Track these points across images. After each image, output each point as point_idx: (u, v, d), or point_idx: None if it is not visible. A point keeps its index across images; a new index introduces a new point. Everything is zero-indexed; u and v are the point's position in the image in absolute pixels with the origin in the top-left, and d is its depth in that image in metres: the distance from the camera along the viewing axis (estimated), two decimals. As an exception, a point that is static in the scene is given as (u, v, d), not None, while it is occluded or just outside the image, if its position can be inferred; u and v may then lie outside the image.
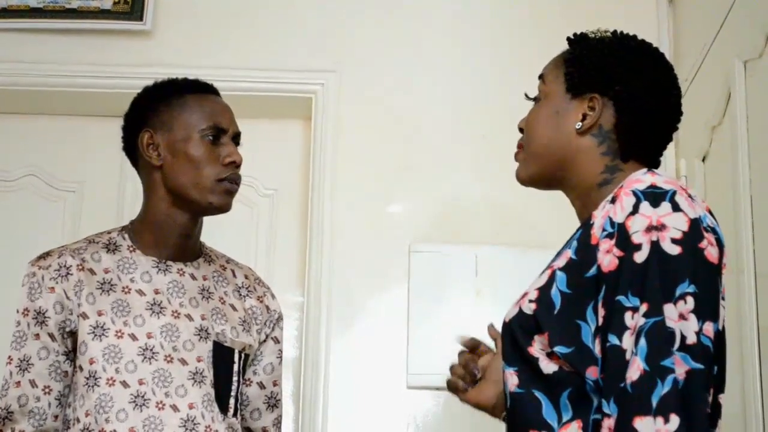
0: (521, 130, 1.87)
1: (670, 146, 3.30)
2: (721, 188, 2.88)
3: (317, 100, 3.60)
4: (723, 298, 1.57)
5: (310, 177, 3.52)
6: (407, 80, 3.62)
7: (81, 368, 2.13)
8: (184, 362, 2.16)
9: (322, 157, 3.52)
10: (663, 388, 1.41)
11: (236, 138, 2.31)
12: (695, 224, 1.52)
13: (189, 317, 2.21)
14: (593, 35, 1.83)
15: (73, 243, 2.30)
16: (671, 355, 1.43)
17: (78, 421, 2.11)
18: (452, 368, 2.07)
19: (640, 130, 1.75)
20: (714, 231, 1.56)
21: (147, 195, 2.30)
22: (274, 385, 2.40)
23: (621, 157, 1.74)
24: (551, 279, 1.63)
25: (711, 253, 1.52)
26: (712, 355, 1.47)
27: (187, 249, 2.29)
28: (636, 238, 1.51)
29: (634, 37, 1.83)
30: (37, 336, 2.15)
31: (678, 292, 1.47)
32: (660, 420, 1.40)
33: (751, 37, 2.65)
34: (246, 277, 2.42)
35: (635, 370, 1.44)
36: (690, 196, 1.57)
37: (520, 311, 1.65)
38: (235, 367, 2.26)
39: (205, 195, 2.21)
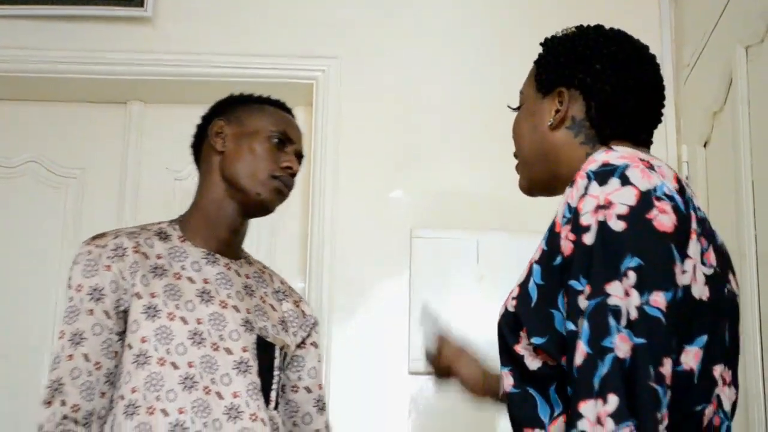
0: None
1: (672, 132, 3.34)
2: (723, 174, 2.88)
3: (318, 86, 3.60)
4: (705, 263, 1.55)
5: (311, 163, 3.52)
6: (409, 67, 3.62)
7: (130, 346, 2.16)
8: (229, 351, 2.20)
9: (323, 144, 3.53)
10: (603, 369, 1.40)
11: (299, 157, 2.39)
12: (645, 195, 1.50)
13: (236, 309, 2.26)
14: (559, 34, 1.87)
15: (125, 227, 2.34)
16: (611, 334, 1.41)
17: (122, 398, 2.14)
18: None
19: (612, 112, 1.75)
20: (671, 198, 1.53)
21: (202, 182, 2.39)
22: (320, 388, 2.47)
23: (600, 142, 1.74)
24: (529, 273, 1.63)
25: (662, 221, 1.49)
26: (662, 325, 1.43)
27: (233, 246, 2.37)
28: (584, 220, 1.51)
29: (599, 26, 1.85)
30: (91, 312, 2.17)
31: (622, 269, 1.45)
32: (599, 401, 1.39)
33: (753, 22, 2.65)
34: (281, 282, 2.50)
35: (579, 354, 1.44)
36: (651, 166, 1.56)
37: (506, 310, 1.65)
38: (276, 362, 2.31)
39: (256, 186, 2.29)
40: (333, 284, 3.41)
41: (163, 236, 2.30)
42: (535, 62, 1.88)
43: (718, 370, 1.56)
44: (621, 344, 1.41)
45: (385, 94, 3.58)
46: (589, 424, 1.39)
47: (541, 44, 1.89)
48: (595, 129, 1.76)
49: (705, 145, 3.15)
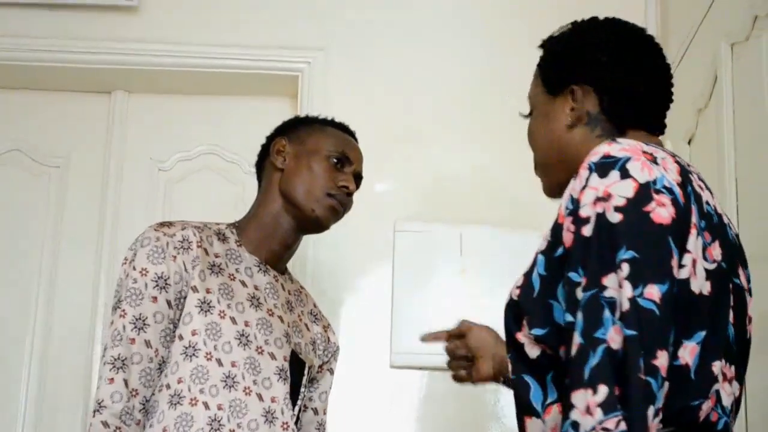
0: None
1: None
2: (707, 171, 2.87)
3: (303, 78, 3.59)
4: (707, 258, 1.55)
5: (295, 155, 3.51)
6: (394, 60, 3.61)
7: (181, 337, 2.21)
8: (272, 357, 2.26)
9: (308, 136, 3.52)
10: (593, 360, 1.40)
11: (358, 179, 2.46)
12: (644, 188, 1.50)
13: (280, 319, 2.33)
14: (556, 33, 1.87)
15: (191, 221, 2.37)
16: (604, 326, 1.42)
17: (168, 387, 2.18)
18: (449, 364, 2.27)
19: (626, 101, 1.76)
20: (671, 191, 1.52)
21: (262, 195, 2.45)
22: (324, 413, 2.54)
23: (618, 133, 1.75)
24: (534, 263, 1.64)
25: (660, 214, 1.49)
26: (656, 318, 1.43)
27: (283, 260, 2.44)
28: (584, 212, 1.51)
29: (594, 18, 1.85)
30: (155, 299, 2.21)
31: (617, 260, 1.45)
32: (590, 391, 1.39)
33: (739, 20, 2.65)
34: (314, 306, 2.58)
35: (574, 345, 1.44)
36: (654, 159, 1.56)
37: (510, 299, 1.66)
38: (304, 380, 2.38)
39: (311, 202, 2.35)
40: (316, 276, 3.40)
41: (221, 237, 2.36)
42: (539, 65, 1.88)
43: (718, 366, 1.55)
44: (615, 336, 1.41)
45: (371, 87, 3.58)
46: (579, 413, 1.39)
47: (540, 47, 1.89)
48: (611, 121, 1.77)
49: (689, 142, 3.15)
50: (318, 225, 2.39)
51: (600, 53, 1.78)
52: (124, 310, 2.20)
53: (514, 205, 3.42)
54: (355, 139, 2.52)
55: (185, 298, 2.23)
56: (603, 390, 1.38)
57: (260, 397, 2.20)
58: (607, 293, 1.44)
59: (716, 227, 1.61)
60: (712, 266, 1.56)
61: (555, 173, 1.83)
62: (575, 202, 1.54)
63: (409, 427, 3.32)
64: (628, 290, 1.43)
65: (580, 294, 1.47)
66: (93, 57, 3.61)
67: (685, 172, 1.60)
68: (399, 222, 3.43)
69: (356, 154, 2.46)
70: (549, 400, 1.55)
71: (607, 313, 1.43)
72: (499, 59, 3.56)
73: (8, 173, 3.70)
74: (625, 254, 1.45)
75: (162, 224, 2.32)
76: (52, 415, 3.51)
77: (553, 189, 1.85)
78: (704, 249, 1.55)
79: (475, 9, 3.65)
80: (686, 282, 1.51)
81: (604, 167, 1.54)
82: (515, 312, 1.63)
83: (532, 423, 1.58)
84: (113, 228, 3.60)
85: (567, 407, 1.42)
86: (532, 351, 1.59)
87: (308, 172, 2.37)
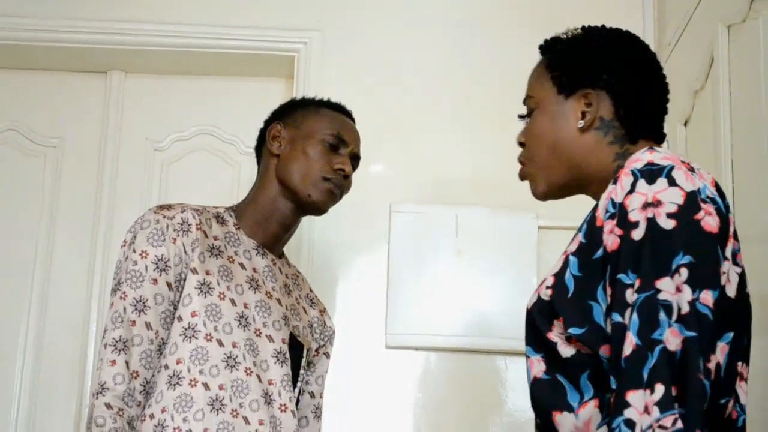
0: (521, 144, 1.91)
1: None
2: (703, 152, 2.89)
3: (300, 59, 3.58)
4: (738, 264, 1.61)
5: (292, 136, 3.51)
6: (391, 42, 3.60)
7: (180, 318, 2.22)
8: (270, 339, 2.27)
9: (304, 116, 3.51)
10: (652, 360, 1.45)
11: (355, 160, 2.46)
12: (691, 197, 1.55)
13: (279, 302, 2.34)
14: (564, 36, 1.89)
15: (189, 203, 2.36)
16: (660, 327, 1.46)
17: (167, 367, 2.19)
18: None
19: (639, 109, 1.80)
20: (714, 201, 1.58)
21: (259, 180, 2.45)
22: (321, 396, 2.55)
23: (630, 141, 1.79)
24: (565, 264, 1.67)
25: (709, 222, 1.54)
26: (710, 322, 1.48)
27: (281, 241, 2.45)
28: (633, 216, 1.55)
29: (603, 26, 1.88)
30: (155, 281, 2.21)
31: (674, 265, 1.50)
32: (647, 391, 1.43)
33: (736, 1, 2.65)
34: (310, 290, 2.60)
35: (628, 345, 1.48)
36: (692, 169, 1.60)
37: (539, 298, 1.68)
38: (303, 362, 2.40)
39: (307, 187, 2.36)
40: (312, 258, 3.41)
41: (220, 220, 2.36)
42: (548, 65, 1.87)
43: (740, 365, 1.61)
44: (671, 337, 1.45)
45: (367, 67, 3.58)
46: (637, 412, 1.43)
47: (541, 48, 1.90)
48: (624, 129, 1.79)
49: (685, 124, 3.15)
50: (316, 209, 2.40)
51: (615, 61, 1.80)
52: (124, 292, 2.20)
53: (509, 186, 3.41)
54: (352, 119, 2.52)
55: (185, 280, 2.23)
56: (660, 389, 1.43)
57: (259, 379, 2.21)
58: (661, 296, 1.49)
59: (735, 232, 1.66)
60: (738, 270, 1.62)
61: (557, 174, 1.84)
62: (618, 207, 1.58)
63: (405, 408, 3.33)
64: (687, 294, 1.48)
65: (633, 295, 1.51)
66: (89, 37, 3.60)
67: (716, 182, 1.65)
68: (395, 203, 3.43)
69: (352, 135, 2.46)
70: (586, 398, 1.60)
71: (662, 315, 1.47)
72: (497, 43, 3.56)
73: (4, 153, 3.69)
74: (683, 259, 1.50)
75: (161, 207, 2.31)
76: (47, 400, 3.52)
77: (550, 190, 1.87)
78: (734, 255, 1.61)
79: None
80: (724, 288, 1.56)
81: (651, 174, 1.58)
82: (546, 312, 1.66)
83: (562, 417, 1.62)
84: (109, 207, 3.61)
85: (620, 405, 1.46)
86: (566, 350, 1.63)
87: (304, 157, 2.36)
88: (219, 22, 3.60)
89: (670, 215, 1.53)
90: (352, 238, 3.45)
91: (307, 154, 2.37)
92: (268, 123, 2.49)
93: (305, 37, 3.59)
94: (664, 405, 1.42)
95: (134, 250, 2.23)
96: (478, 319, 3.31)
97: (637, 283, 1.51)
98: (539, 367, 1.66)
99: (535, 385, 1.67)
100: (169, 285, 2.22)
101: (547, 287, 1.67)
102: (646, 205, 1.55)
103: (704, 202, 1.56)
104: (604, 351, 1.57)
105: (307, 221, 3.35)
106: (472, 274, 3.35)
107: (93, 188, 3.64)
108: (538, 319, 1.67)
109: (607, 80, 1.79)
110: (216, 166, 3.70)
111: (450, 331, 3.31)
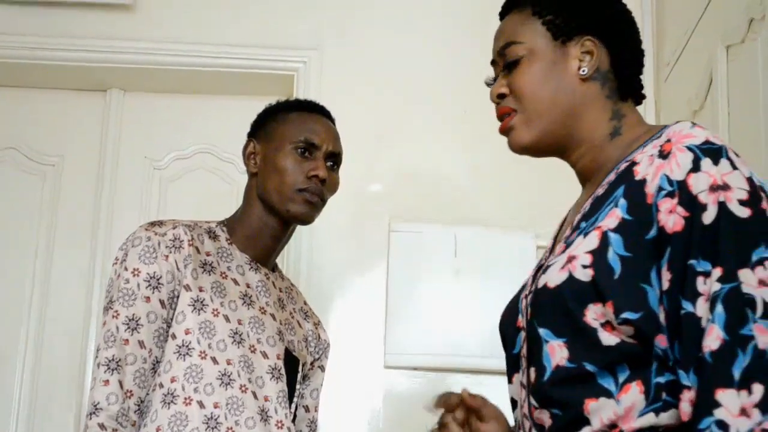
0: (501, 96, 1.75)
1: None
2: (701, 172, 2.89)
3: (299, 77, 3.59)
4: None
5: (291, 154, 3.51)
6: (389, 59, 3.61)
7: (174, 336, 2.18)
8: (265, 355, 2.24)
9: (303, 135, 3.52)
10: (744, 358, 1.36)
11: (333, 158, 2.42)
12: (752, 183, 1.46)
13: (273, 317, 2.31)
14: None
15: (181, 219, 2.34)
16: (750, 322, 1.38)
17: (161, 386, 2.16)
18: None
19: (632, 64, 1.72)
20: (763, 189, 1.48)
21: (245, 199, 2.41)
22: (315, 410, 2.52)
23: (621, 97, 1.70)
24: (604, 242, 1.51)
25: None
26: None
27: (274, 253, 2.41)
28: (702, 198, 1.44)
29: None
30: (148, 299, 2.18)
31: (755, 258, 1.41)
32: (744, 392, 1.35)
33: (735, 22, 2.65)
34: (305, 303, 2.56)
35: (714, 339, 1.39)
36: (734, 152, 1.52)
37: (571, 277, 1.51)
38: (298, 376, 2.38)
39: (285, 203, 2.31)
40: (310, 276, 3.40)
41: (212, 235, 2.34)
42: (536, 11, 1.74)
43: None
44: (759, 335, 1.38)
45: (366, 86, 3.58)
46: (730, 414, 1.35)
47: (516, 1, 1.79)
48: (618, 81, 1.70)
49: (684, 144, 3.15)
50: (300, 221, 2.36)
51: (609, 11, 1.72)
52: (116, 311, 2.17)
53: (508, 205, 3.42)
54: (326, 115, 2.46)
55: (178, 297, 2.21)
56: (759, 390, 1.35)
57: (255, 396, 2.19)
58: (744, 289, 1.40)
59: None
60: None
61: (545, 123, 1.70)
62: (680, 185, 1.47)
63: (402, 428, 3.32)
64: None
65: (714, 285, 1.41)
66: (88, 55, 3.61)
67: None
68: (393, 222, 3.43)
69: (323, 134, 2.39)
70: (622, 379, 1.47)
71: (748, 309, 1.39)
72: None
73: (3, 171, 3.70)
74: (765, 252, 1.41)
75: (153, 224, 2.29)
76: (45, 413, 3.51)
77: (539, 140, 1.72)
78: None
79: (470, 9, 3.64)
80: None
81: (713, 153, 1.48)
82: (582, 293, 1.50)
83: (597, 404, 1.48)
84: (108, 226, 3.60)
85: (708, 404, 1.37)
86: (609, 338, 1.48)
87: (276, 173, 2.32)
88: (218, 41, 3.61)
89: (742, 202, 1.43)
90: (351, 256, 3.44)
91: (279, 167, 2.31)
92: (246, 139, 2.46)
93: (304, 56, 3.60)
94: (766, 407, 1.34)
95: (126, 268, 2.20)
96: (477, 339, 3.30)
97: (717, 272, 1.41)
98: (561, 353, 1.51)
99: (557, 374, 1.52)
100: (162, 302, 2.19)
101: (584, 266, 1.50)
102: (714, 187, 1.44)
103: (762, 189, 1.47)
104: (660, 341, 1.46)
105: (306, 241, 3.35)
106: (471, 293, 3.34)
107: (92, 206, 3.64)
108: (570, 301, 1.50)
109: (604, 28, 1.70)
110: (215, 185, 3.70)
111: (450, 351, 3.31)
